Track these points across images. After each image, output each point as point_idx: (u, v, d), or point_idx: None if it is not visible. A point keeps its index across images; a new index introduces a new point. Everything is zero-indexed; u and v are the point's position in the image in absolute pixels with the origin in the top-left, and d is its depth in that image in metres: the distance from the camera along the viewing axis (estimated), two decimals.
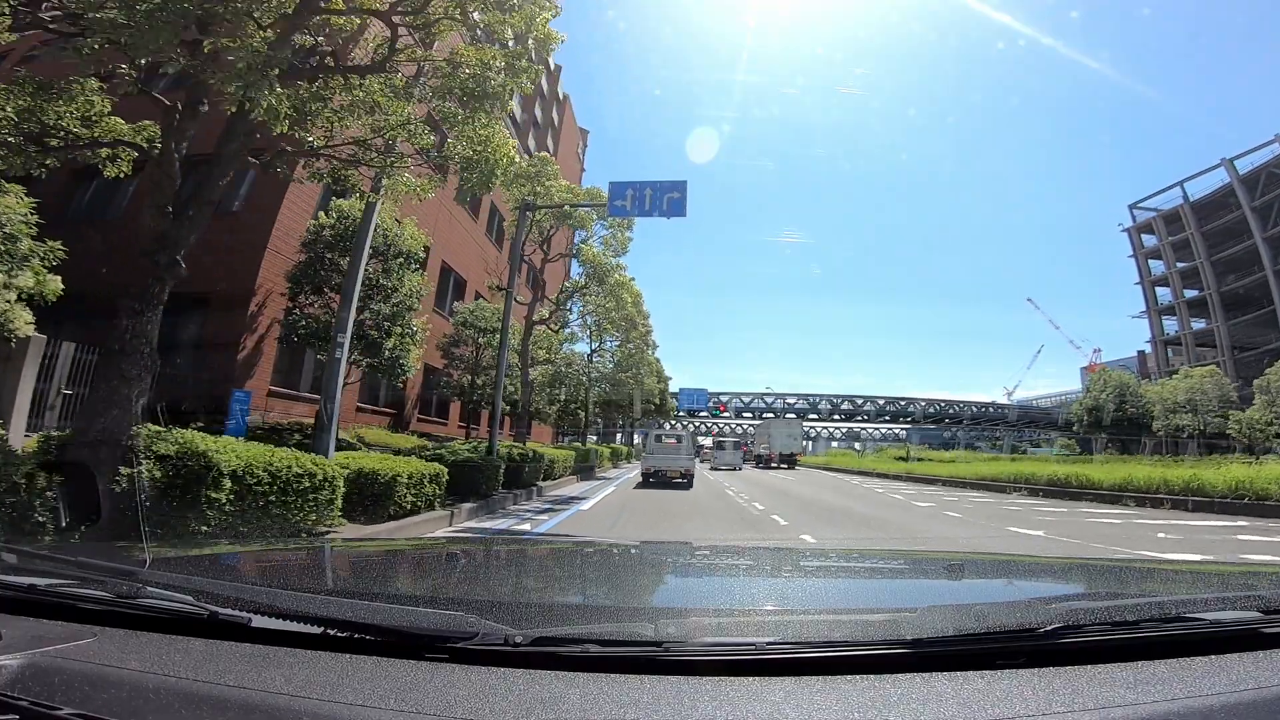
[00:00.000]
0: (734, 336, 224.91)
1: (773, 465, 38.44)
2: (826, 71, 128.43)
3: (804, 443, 46.66)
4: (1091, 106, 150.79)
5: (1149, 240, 59.07)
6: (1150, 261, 58.96)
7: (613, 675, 0.82)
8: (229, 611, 0.93)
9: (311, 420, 12.89)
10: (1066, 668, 0.86)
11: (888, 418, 71.45)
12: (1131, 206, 60.39)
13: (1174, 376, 43.91)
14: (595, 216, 16.70)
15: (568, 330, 23.09)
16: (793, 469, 37.19)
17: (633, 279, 20.48)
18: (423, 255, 13.13)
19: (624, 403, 36.89)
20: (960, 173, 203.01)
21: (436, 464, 7.95)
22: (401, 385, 17.23)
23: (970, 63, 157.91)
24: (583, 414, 26.97)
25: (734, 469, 32.82)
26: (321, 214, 12.49)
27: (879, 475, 29.49)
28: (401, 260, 12.23)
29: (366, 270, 12.08)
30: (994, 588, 1.73)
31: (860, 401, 69.97)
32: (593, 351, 26.66)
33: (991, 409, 73.57)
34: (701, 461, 32.66)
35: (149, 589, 0.98)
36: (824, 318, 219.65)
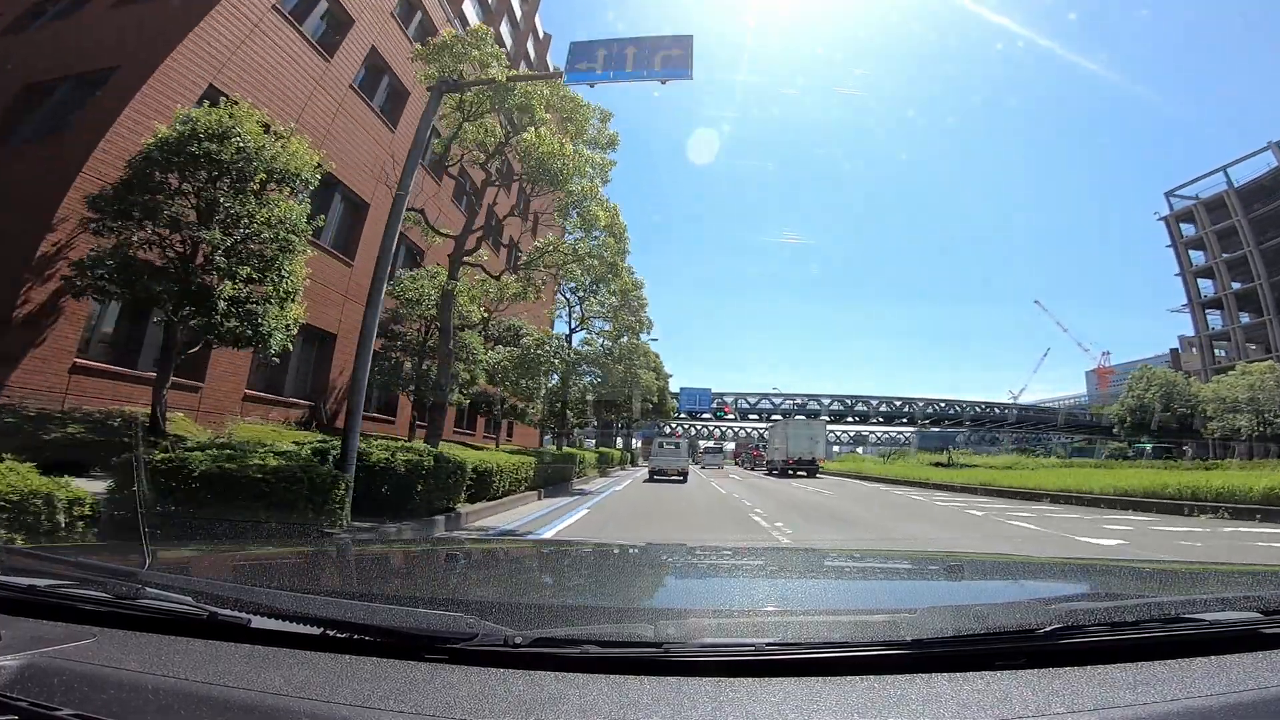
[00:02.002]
0: (735, 339, 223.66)
1: (789, 472, 32.67)
2: (826, 72, 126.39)
3: (826, 447, 39.17)
4: (1090, 107, 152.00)
5: (1187, 229, 54.85)
6: (1190, 252, 54.69)
7: (612, 676, 0.83)
8: (228, 612, 0.93)
9: (146, 410, 8.76)
10: (1066, 668, 0.86)
11: (904, 420, 67.71)
12: (1168, 194, 56.82)
13: (1229, 373, 39.72)
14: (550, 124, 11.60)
15: (540, 300, 18.78)
16: (813, 477, 31.45)
17: (616, 206, 13.92)
18: (314, 180, 9.04)
19: (618, 400, 32.85)
20: (960, 173, 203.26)
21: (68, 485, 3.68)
22: (276, 360, 13.03)
23: (969, 63, 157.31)
24: (567, 411, 22.06)
25: (718, 468, 40.73)
26: (159, 125, 8.40)
27: (936, 486, 23.05)
28: (265, 178, 8.17)
29: (200, 187, 7.97)
30: (994, 588, 1.74)
31: (875, 402, 66.28)
32: (573, 330, 21.95)
33: (1014, 410, 71.52)
34: (694, 463, 35.27)
35: (148, 589, 0.98)
36: (825, 320, 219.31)
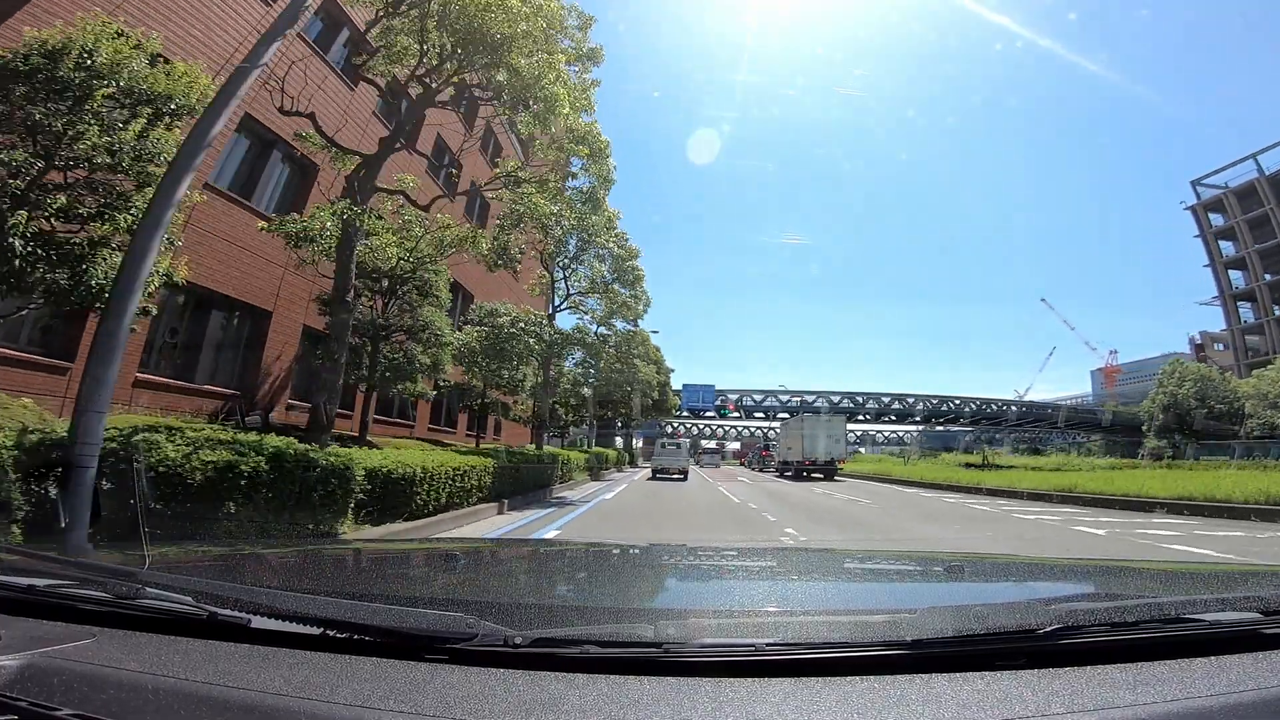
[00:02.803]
0: (736, 339, 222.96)
1: (805, 475, 29.16)
2: (826, 72, 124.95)
3: (845, 446, 33.07)
4: (1090, 107, 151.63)
5: (1216, 220, 52.43)
6: (1220, 243, 52.17)
7: (612, 676, 0.83)
8: (228, 612, 0.93)
9: None
10: (1066, 669, 0.86)
11: (917, 418, 65.38)
12: (1195, 182, 54.95)
13: (1269, 368, 37.30)
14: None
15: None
16: (830, 480, 28.00)
17: (592, 97, 9.97)
18: (198, 109, 6.89)
19: (616, 396, 30.46)
20: (960, 173, 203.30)
21: None
22: (165, 334, 10.45)
23: (969, 63, 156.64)
24: (553, 404, 18.84)
25: (715, 466, 44.62)
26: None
27: (990, 492, 18.49)
28: (113, 97, 6.06)
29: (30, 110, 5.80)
30: (994, 589, 1.73)
31: (886, 400, 63.98)
32: (557, 309, 18.81)
33: (1036, 408, 70.90)
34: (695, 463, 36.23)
35: (148, 590, 0.98)
36: (825, 320, 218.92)
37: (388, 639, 0.88)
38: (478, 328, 14.93)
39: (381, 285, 13.33)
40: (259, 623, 0.91)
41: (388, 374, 12.81)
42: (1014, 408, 69.66)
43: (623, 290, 18.69)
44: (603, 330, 21.11)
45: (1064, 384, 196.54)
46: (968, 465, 31.89)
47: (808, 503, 15.69)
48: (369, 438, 13.62)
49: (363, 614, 0.91)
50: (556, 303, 18.42)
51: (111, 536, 4.04)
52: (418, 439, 18.73)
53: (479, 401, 20.85)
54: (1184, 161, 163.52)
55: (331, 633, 0.89)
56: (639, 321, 21.97)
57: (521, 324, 14.37)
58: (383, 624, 0.89)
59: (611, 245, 17.13)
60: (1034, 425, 68.84)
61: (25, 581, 1.01)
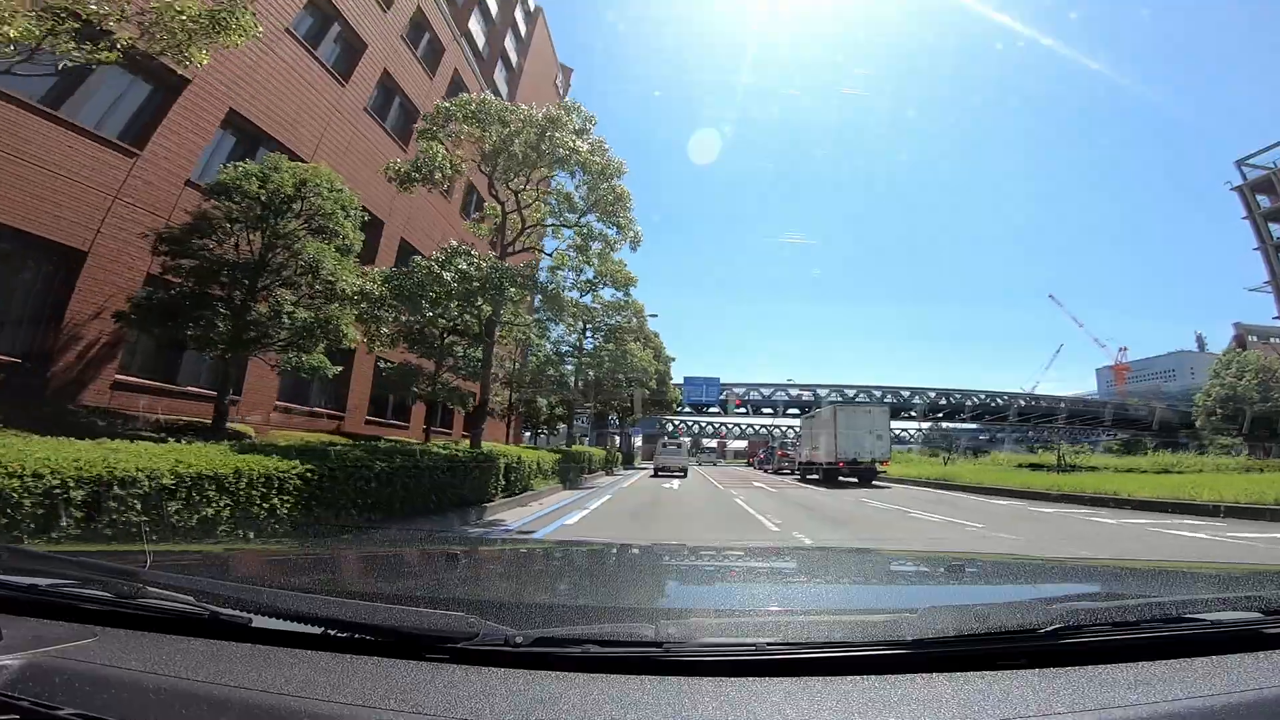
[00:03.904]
0: (736, 339, 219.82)
1: (836, 479, 23.34)
2: (827, 72, 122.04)
3: (889, 444, 25.28)
4: (1091, 106, 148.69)
5: (1264, 201, 48.38)
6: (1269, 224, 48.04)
7: (613, 676, 0.83)
8: (229, 611, 0.93)
9: None
10: (1067, 668, 0.86)
11: (939, 414, 61.87)
12: (1239, 162, 52.00)
13: None
14: None
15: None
16: (867, 485, 22.14)
17: None
18: None
19: (607, 385, 26.52)
20: (960, 172, 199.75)
21: None
22: None
23: (970, 63, 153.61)
24: (488, 374, 12.55)
25: (713, 464, 46.59)
26: None
27: (1155, 507, 12.41)
28: None
29: None
30: (995, 589, 1.72)
31: (906, 394, 60.09)
32: (507, 248, 12.33)
33: (1037, 404, 68.14)
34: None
35: (150, 589, 0.98)
36: (825, 320, 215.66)
37: (389, 638, 0.88)
38: (381, 270, 10.31)
39: (253, 212, 9.24)
40: (260, 622, 0.91)
41: (249, 335, 8.77)
42: (1041, 402, 67.73)
43: (600, 224, 12.78)
44: (586, 299, 16.82)
45: (1067, 383, 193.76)
46: (1030, 467, 26.87)
47: (885, 530, 9.65)
48: (231, 425, 9.48)
49: (364, 613, 0.91)
50: (506, 238, 12.52)
51: None
52: (347, 434, 14.69)
53: (429, 387, 16.52)
54: (1185, 161, 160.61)
55: (333, 632, 0.89)
56: (631, 290, 17.30)
57: (440, 257, 10.01)
58: (384, 623, 0.89)
59: (582, 146, 11.23)
60: (1037, 422, 67.26)
61: (27, 581, 1.00)
